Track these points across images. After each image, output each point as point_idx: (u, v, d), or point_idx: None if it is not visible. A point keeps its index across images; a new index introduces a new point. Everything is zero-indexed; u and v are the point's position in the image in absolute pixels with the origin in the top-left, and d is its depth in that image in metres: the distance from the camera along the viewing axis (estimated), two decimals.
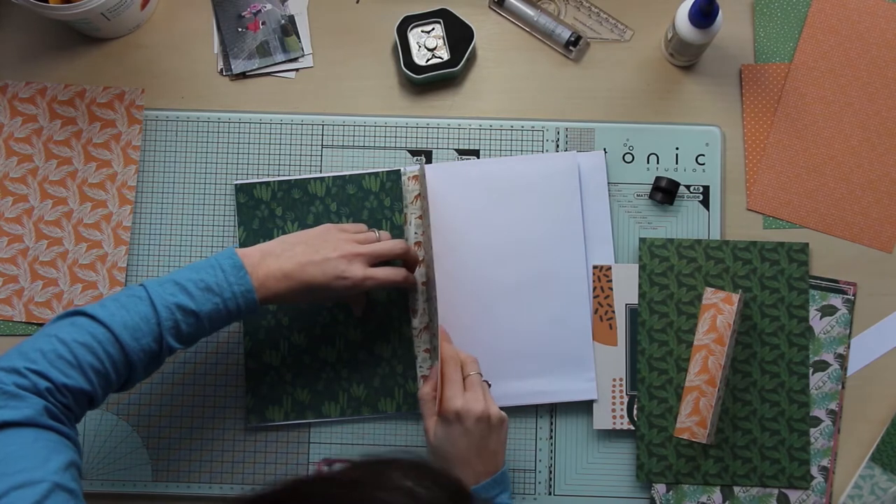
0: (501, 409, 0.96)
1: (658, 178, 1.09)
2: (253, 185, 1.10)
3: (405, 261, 1.04)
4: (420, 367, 1.08)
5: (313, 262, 0.95)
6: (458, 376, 0.97)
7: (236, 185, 1.10)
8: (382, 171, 1.10)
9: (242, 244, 1.09)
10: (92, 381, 0.84)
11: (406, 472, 0.65)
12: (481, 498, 0.93)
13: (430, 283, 1.05)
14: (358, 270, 0.96)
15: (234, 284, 0.91)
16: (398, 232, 1.09)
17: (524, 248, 1.08)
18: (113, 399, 1.08)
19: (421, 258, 1.07)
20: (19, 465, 0.76)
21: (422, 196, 1.07)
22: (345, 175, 1.10)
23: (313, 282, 0.94)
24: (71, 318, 0.86)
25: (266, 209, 1.09)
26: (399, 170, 1.10)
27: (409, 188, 1.10)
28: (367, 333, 1.08)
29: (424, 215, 1.06)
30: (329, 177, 1.10)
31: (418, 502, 0.63)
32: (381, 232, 1.02)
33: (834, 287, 1.08)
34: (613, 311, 1.08)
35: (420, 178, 1.07)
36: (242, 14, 1.14)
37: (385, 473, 0.65)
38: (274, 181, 1.10)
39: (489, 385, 1.01)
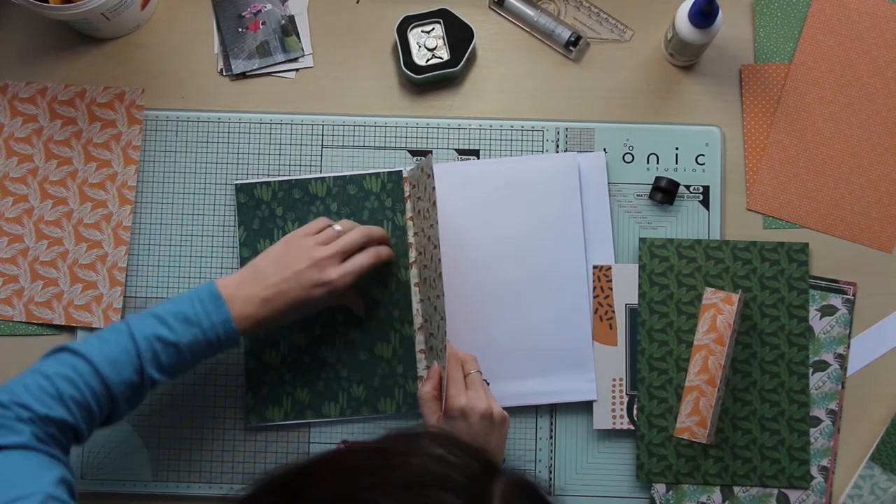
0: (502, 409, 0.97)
1: (658, 178, 1.09)
2: (253, 184, 1.10)
3: (378, 240, 1.04)
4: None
5: (286, 279, 0.96)
6: (459, 375, 0.98)
7: (237, 184, 1.10)
8: (383, 172, 1.10)
9: (243, 244, 1.09)
10: (74, 412, 0.86)
11: (435, 440, 0.65)
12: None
13: (425, 283, 1.05)
14: (332, 272, 0.97)
15: (211, 314, 0.92)
16: (400, 232, 1.09)
17: (524, 249, 1.08)
18: None
19: (412, 260, 1.07)
20: (12, 483, 0.78)
21: (418, 198, 1.06)
22: (346, 175, 1.10)
23: (294, 298, 0.96)
24: (55, 355, 0.89)
25: (266, 209, 1.09)
26: (400, 170, 1.10)
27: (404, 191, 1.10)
28: (367, 333, 1.08)
29: (419, 216, 1.06)
30: (330, 177, 1.10)
31: (451, 468, 0.63)
32: (340, 223, 1.02)
33: (834, 287, 1.08)
34: (613, 311, 1.08)
35: (417, 175, 1.07)
36: (242, 14, 1.14)
37: (415, 442, 0.66)
38: (274, 181, 1.10)
39: (488, 384, 1.01)
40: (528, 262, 1.08)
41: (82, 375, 0.87)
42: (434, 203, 0.99)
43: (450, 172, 1.10)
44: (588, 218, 1.09)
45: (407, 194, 1.09)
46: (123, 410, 0.91)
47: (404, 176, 1.10)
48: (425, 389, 0.98)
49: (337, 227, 1.01)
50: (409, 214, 1.09)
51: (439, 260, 0.98)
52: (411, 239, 1.09)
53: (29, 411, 0.83)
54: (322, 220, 1.02)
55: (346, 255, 0.99)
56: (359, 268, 0.99)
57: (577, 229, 1.08)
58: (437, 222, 0.99)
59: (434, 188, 0.98)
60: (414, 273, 1.08)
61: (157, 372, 0.91)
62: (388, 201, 1.09)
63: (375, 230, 1.03)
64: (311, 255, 0.97)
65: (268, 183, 1.10)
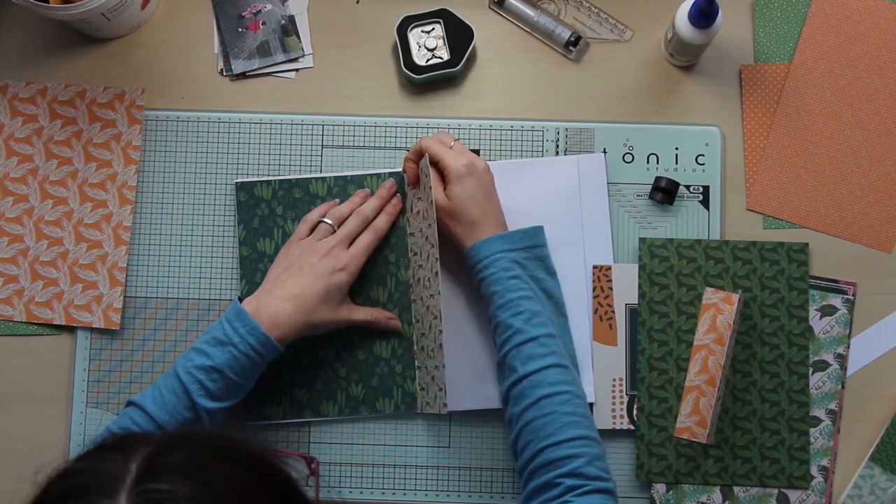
0: (498, 410, 0.97)
1: (658, 178, 1.09)
2: (254, 183, 1.10)
3: (375, 214, 1.07)
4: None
5: (304, 275, 0.99)
6: (445, 147, 1.02)
7: (237, 183, 1.10)
8: (384, 172, 1.10)
9: (242, 242, 1.09)
10: None
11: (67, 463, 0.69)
12: (498, 247, 0.98)
13: (419, 283, 1.05)
14: (344, 256, 1.01)
15: (238, 328, 0.95)
16: (401, 233, 1.09)
17: None
18: (115, 400, 1.08)
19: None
20: None
21: (418, 198, 1.06)
22: (346, 175, 1.10)
23: (319, 290, 0.98)
24: (123, 410, 0.97)
25: (266, 208, 1.09)
26: (400, 171, 1.09)
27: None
28: (367, 332, 1.08)
29: (417, 216, 1.06)
30: (331, 177, 1.10)
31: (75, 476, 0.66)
32: (328, 214, 1.04)
33: (834, 287, 1.08)
34: (613, 311, 1.07)
35: (421, 176, 1.07)
36: (242, 14, 1.14)
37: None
38: (275, 180, 1.10)
39: None
40: None
41: (137, 422, 0.93)
42: (432, 202, 0.99)
43: None
44: (588, 218, 1.09)
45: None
46: None
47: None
48: (423, 163, 1.02)
49: (328, 220, 1.04)
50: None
51: (436, 259, 0.98)
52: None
53: None
54: (308, 222, 1.05)
55: (350, 240, 1.03)
56: (366, 247, 1.03)
57: (576, 230, 1.08)
58: (434, 222, 0.99)
59: (431, 188, 0.99)
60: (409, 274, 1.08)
61: (208, 400, 0.94)
62: None
63: (369, 208, 1.06)
64: (318, 248, 1.01)
65: (268, 182, 1.10)
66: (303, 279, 0.99)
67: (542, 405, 0.92)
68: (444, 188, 1.01)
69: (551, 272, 1.02)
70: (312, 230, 1.04)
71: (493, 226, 1.00)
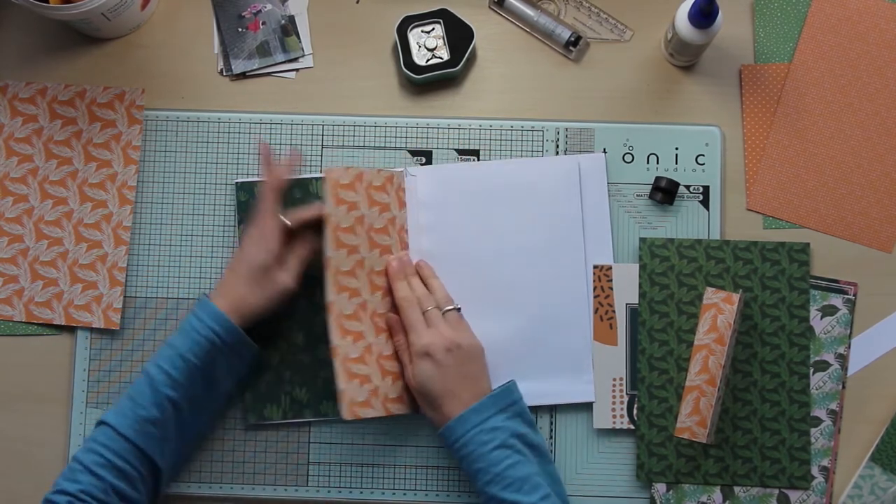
0: None
1: (658, 178, 1.09)
2: (254, 183, 1.10)
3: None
4: None
5: (233, 267, 1.01)
6: (417, 315, 1.01)
7: (237, 183, 1.10)
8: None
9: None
10: (102, 476, 0.93)
11: None
12: (472, 422, 0.96)
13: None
14: (256, 231, 1.01)
15: (197, 312, 0.98)
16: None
17: (524, 250, 1.08)
18: (115, 400, 1.08)
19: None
20: None
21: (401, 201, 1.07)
22: None
23: (243, 277, 1.00)
24: (91, 434, 0.97)
25: None
26: (401, 171, 1.10)
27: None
28: None
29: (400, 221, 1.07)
30: None
31: None
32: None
33: (834, 287, 1.08)
34: (614, 311, 1.07)
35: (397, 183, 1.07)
36: (242, 14, 1.14)
37: None
38: None
39: (458, 310, 1.03)
40: (527, 263, 1.08)
41: (97, 439, 0.95)
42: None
43: (450, 175, 1.10)
44: (588, 218, 1.09)
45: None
46: (162, 449, 0.96)
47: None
48: (399, 340, 1.02)
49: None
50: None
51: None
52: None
53: (66, 495, 0.92)
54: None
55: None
56: (263, 198, 1.03)
57: (577, 230, 1.08)
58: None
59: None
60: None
61: (171, 389, 0.96)
62: None
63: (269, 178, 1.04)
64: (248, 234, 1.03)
65: None
66: (233, 271, 1.01)
67: None
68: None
69: (531, 423, 0.99)
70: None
71: (462, 400, 0.97)
